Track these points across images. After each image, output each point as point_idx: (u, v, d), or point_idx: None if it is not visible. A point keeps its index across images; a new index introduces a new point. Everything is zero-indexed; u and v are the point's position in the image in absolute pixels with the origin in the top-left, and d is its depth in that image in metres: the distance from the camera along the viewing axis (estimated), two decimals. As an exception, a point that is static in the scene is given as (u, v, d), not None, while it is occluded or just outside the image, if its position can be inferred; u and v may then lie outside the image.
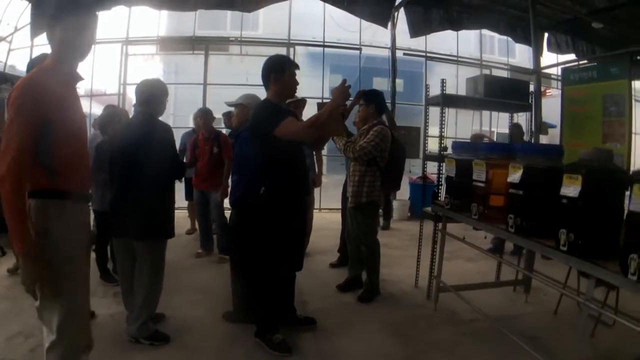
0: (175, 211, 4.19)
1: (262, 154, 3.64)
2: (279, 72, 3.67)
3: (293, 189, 3.75)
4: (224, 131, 6.96)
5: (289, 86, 3.73)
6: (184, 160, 5.83)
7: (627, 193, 2.44)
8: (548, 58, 11.08)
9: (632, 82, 4.79)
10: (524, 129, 6.93)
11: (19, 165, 2.09)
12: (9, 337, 3.80)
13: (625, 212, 2.49)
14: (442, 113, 4.99)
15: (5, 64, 10.86)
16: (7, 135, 2.12)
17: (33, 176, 2.20)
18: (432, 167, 5.45)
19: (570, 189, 2.72)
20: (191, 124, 7.80)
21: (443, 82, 4.93)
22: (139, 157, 3.62)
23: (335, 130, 4.07)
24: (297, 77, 3.77)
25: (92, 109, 10.13)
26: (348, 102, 4.48)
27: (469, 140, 6.85)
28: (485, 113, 12.47)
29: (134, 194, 3.65)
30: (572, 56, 10.78)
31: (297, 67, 3.82)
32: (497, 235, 4.45)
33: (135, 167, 3.64)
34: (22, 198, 2.13)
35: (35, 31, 9.25)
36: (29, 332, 3.83)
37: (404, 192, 10.69)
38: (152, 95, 3.86)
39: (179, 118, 14.62)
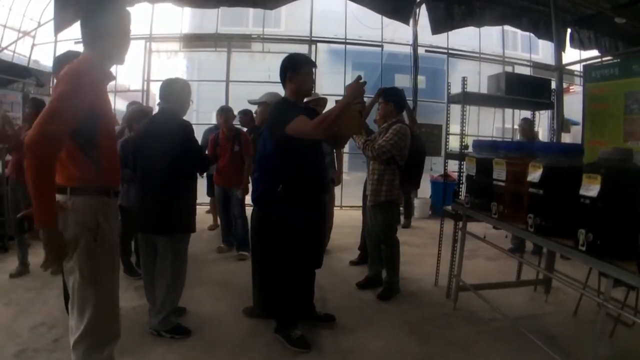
0: (197, 207, 4.24)
1: (279, 151, 3.65)
2: (294, 70, 3.67)
3: (310, 187, 3.75)
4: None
5: (304, 84, 3.71)
6: (206, 156, 5.90)
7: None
8: (571, 54, 10.96)
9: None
10: (547, 125, 6.85)
11: (54, 135, 2.11)
12: (33, 327, 3.89)
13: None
14: (463, 111, 4.97)
15: (29, 58, 11.05)
16: (51, 106, 2.16)
17: (80, 169, 2.31)
18: (453, 165, 5.43)
19: (590, 188, 2.71)
20: (214, 121, 7.88)
21: (464, 79, 4.90)
22: (160, 153, 3.71)
23: (353, 128, 4.02)
24: (317, 75, 3.77)
25: (116, 104, 10.28)
26: (367, 99, 4.49)
27: (491, 139, 6.80)
28: (508, 110, 12.36)
29: (156, 190, 3.76)
30: (595, 52, 10.64)
31: (313, 65, 3.83)
32: (517, 235, 4.42)
33: (156, 163, 3.73)
34: (48, 170, 2.12)
35: (58, 26, 9.38)
36: (52, 323, 3.94)
37: (425, 191, 10.67)
38: (175, 94, 3.96)
39: (201, 114, 14.71)
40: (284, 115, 3.48)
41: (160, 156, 3.71)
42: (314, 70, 3.84)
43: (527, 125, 7.08)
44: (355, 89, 3.39)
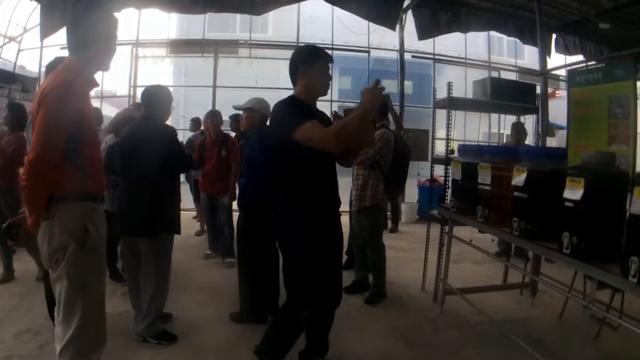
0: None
1: (281, 160, 3.06)
2: (309, 63, 3.04)
3: (324, 200, 3.08)
4: (231, 134, 6.99)
5: (319, 81, 3.07)
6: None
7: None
8: (557, 59, 11.08)
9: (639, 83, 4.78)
10: (531, 130, 6.92)
11: (54, 151, 2.21)
12: (18, 333, 3.87)
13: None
14: (448, 116, 5.00)
15: (15, 64, 10.99)
16: (42, 125, 2.21)
17: (66, 177, 2.31)
18: (440, 170, 5.47)
19: (573, 192, 2.73)
20: (200, 126, 7.90)
21: (449, 85, 4.94)
22: (141, 157, 3.72)
23: (367, 141, 3.32)
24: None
25: (103, 110, 10.25)
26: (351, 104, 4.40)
27: (476, 143, 6.85)
28: (494, 115, 12.47)
29: (137, 193, 3.78)
30: (580, 57, 10.77)
31: (330, 59, 3.17)
32: (502, 238, 4.44)
33: (137, 167, 3.76)
34: (45, 183, 2.24)
35: (45, 32, 9.37)
36: (37, 330, 3.91)
37: (412, 195, 10.72)
38: (155, 101, 3.99)
39: (188, 120, 14.67)
40: (293, 117, 2.86)
41: (141, 160, 3.72)
42: (330, 66, 3.20)
43: (520, 129, 7.17)
44: (375, 95, 2.80)
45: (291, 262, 3.02)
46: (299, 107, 2.98)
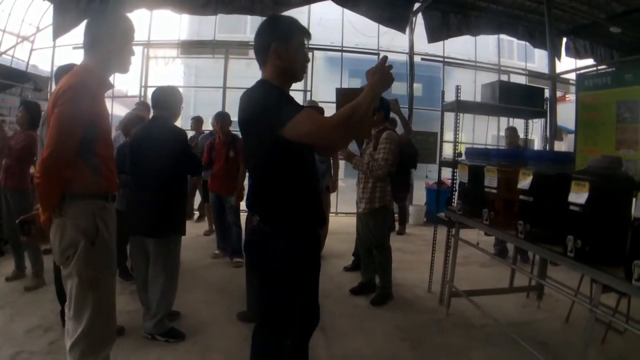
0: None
1: (264, 163, 2.42)
2: (283, 39, 2.40)
3: (304, 219, 2.47)
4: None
5: (296, 62, 2.45)
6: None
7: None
8: (568, 63, 11.04)
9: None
10: (539, 134, 6.95)
11: (67, 152, 2.27)
12: (29, 329, 3.92)
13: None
14: (456, 119, 5.02)
15: (28, 63, 11.11)
16: (56, 124, 2.26)
17: (79, 176, 2.37)
18: (448, 173, 5.48)
19: (578, 195, 2.75)
20: (210, 127, 7.95)
21: (458, 88, 4.96)
22: (150, 157, 3.79)
23: (366, 131, 2.74)
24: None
25: (114, 110, 10.33)
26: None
27: (484, 146, 6.88)
28: (503, 119, 12.40)
29: (146, 193, 3.83)
30: (590, 61, 10.73)
31: (308, 35, 2.58)
32: (509, 241, 4.44)
33: (148, 167, 3.82)
34: (59, 183, 2.29)
35: (57, 32, 9.45)
36: (48, 326, 3.97)
37: (420, 197, 10.72)
38: (165, 102, 4.05)
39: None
40: (280, 108, 2.21)
41: (152, 160, 3.78)
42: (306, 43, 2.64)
43: (512, 134, 7.23)
44: (384, 75, 2.21)
45: (271, 279, 2.45)
46: (283, 95, 2.38)
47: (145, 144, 3.90)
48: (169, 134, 3.91)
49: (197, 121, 9.04)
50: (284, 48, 2.38)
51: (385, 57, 2.27)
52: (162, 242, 3.87)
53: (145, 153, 3.87)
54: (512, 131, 7.33)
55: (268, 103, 2.25)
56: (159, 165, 3.74)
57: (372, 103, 2.19)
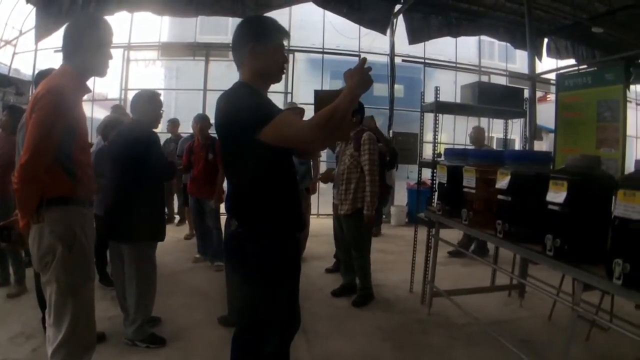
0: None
1: (242, 166, 2.38)
2: (262, 40, 2.36)
3: (283, 223, 2.42)
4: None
5: (273, 64, 2.42)
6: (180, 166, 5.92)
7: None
8: (549, 63, 11.14)
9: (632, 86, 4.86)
10: (519, 133, 7.01)
11: (44, 157, 2.26)
12: (11, 337, 3.88)
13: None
14: (435, 120, 5.05)
15: (10, 67, 10.98)
16: (34, 129, 2.25)
17: (56, 181, 2.35)
18: (429, 173, 5.50)
19: (556, 195, 2.76)
20: (190, 130, 7.91)
21: (437, 89, 4.99)
22: (125, 162, 3.78)
23: (343, 132, 2.72)
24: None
25: (94, 113, 10.24)
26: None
27: (464, 147, 6.92)
28: (483, 119, 12.53)
29: (119, 197, 3.82)
30: (572, 61, 10.84)
31: (287, 36, 2.52)
32: (487, 240, 4.45)
33: (119, 172, 3.82)
34: (38, 186, 2.27)
35: (39, 35, 9.37)
36: (30, 333, 3.92)
37: (402, 198, 10.75)
38: (144, 107, 4.02)
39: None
40: (256, 113, 2.17)
41: (123, 165, 3.78)
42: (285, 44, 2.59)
43: (477, 133, 7.33)
44: (362, 77, 2.13)
45: (251, 283, 2.36)
46: (261, 97, 2.35)
47: (118, 149, 3.91)
48: (137, 137, 3.86)
49: (173, 123, 8.97)
50: (261, 49, 2.34)
51: (364, 59, 2.23)
52: (136, 247, 3.83)
53: (117, 157, 3.87)
54: (477, 130, 7.42)
55: (245, 106, 2.21)
56: (128, 169, 3.74)
57: (351, 105, 2.13)
